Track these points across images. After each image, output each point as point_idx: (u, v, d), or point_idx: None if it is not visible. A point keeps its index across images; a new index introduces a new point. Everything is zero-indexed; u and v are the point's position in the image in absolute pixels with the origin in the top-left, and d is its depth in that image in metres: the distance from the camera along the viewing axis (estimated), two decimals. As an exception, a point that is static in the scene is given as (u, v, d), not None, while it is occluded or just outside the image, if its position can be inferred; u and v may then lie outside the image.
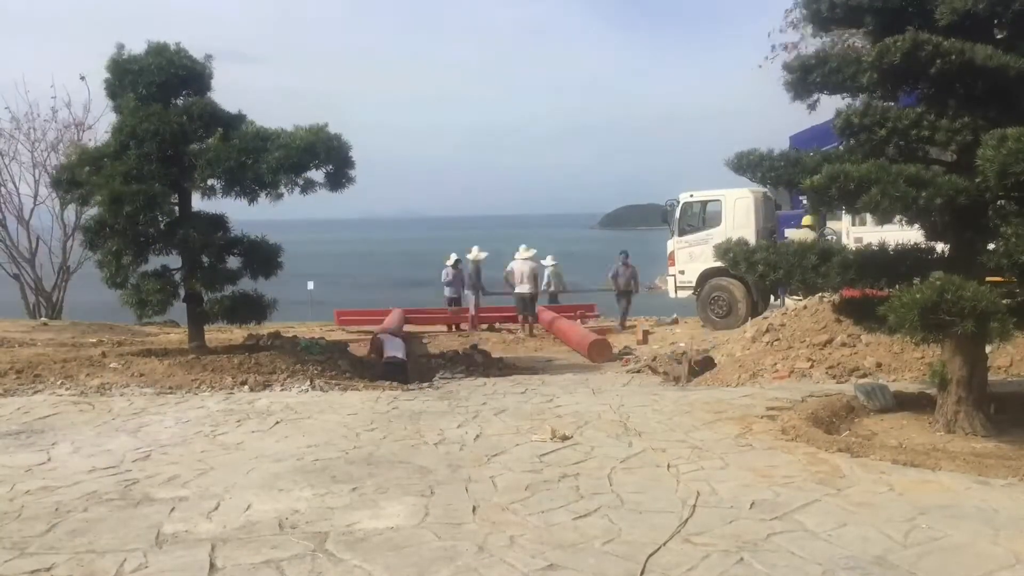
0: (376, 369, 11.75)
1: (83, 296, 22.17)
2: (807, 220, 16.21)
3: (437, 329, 19.42)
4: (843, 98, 7.06)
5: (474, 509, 4.85)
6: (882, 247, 6.95)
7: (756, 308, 17.04)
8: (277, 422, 7.34)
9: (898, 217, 6.41)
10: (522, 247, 18.97)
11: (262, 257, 11.76)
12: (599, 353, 14.45)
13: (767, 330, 11.25)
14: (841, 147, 7.05)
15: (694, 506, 4.84)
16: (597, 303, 22.51)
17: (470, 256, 20.14)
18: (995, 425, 6.55)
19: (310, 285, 26.51)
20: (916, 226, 6.87)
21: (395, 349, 12.39)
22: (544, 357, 15.36)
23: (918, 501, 4.85)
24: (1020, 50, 6.37)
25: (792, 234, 16.37)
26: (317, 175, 11.66)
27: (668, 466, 5.68)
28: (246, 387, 9.22)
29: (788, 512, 4.70)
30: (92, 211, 12.34)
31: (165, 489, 5.37)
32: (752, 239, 9.65)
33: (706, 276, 17.68)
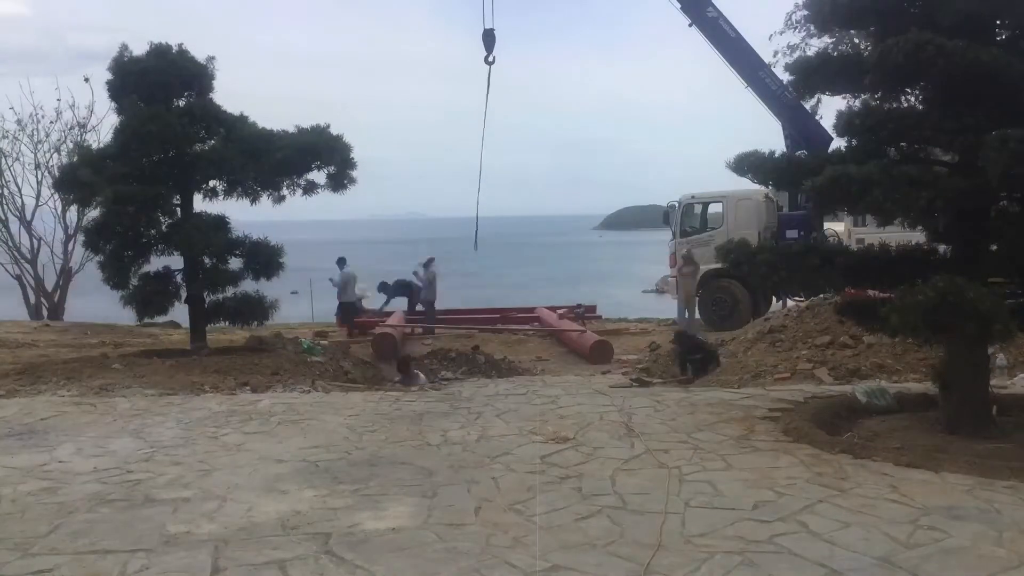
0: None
1: (85, 297, 22.18)
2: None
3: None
4: (844, 99, 7.08)
5: (476, 510, 4.85)
6: (884, 248, 6.94)
7: (758, 309, 17.03)
8: (279, 423, 7.34)
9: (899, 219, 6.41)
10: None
11: (264, 258, 11.78)
12: (600, 355, 14.44)
13: (769, 331, 11.23)
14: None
15: (697, 507, 4.84)
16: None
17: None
18: (997, 426, 6.53)
19: (297, 291, 25.64)
20: (919, 228, 6.86)
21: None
22: (546, 359, 15.35)
23: (921, 502, 4.84)
24: (1023, 51, 6.36)
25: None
26: (319, 176, 11.71)
27: (670, 467, 5.67)
28: (248, 388, 9.23)
29: (791, 513, 4.69)
30: (94, 212, 12.37)
31: (168, 490, 5.37)
32: (754, 240, 9.66)
33: (708, 277, 17.68)
